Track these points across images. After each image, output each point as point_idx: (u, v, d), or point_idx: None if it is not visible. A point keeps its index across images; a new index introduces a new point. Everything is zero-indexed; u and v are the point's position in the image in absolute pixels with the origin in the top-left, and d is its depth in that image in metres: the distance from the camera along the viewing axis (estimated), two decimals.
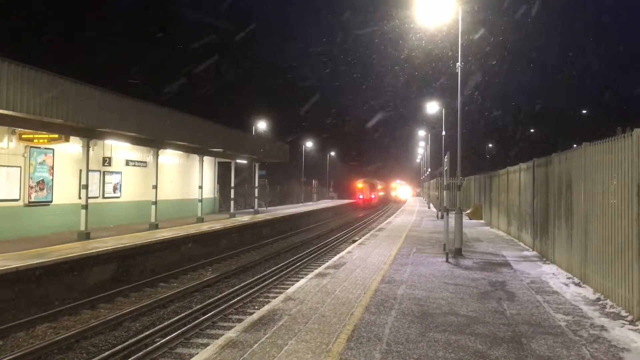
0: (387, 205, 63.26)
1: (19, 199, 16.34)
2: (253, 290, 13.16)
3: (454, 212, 14.27)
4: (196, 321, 10.13)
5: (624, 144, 7.56)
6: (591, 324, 6.92)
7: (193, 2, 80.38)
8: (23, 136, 16.23)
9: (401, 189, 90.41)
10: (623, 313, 7.35)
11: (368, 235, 19.35)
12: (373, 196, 60.35)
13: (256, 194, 34.96)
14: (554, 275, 10.47)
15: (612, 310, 7.60)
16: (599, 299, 8.27)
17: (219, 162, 32.19)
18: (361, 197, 58.94)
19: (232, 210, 29.75)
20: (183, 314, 10.68)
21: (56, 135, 16.30)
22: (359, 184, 60.45)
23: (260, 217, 28.84)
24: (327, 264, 11.99)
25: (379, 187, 65.78)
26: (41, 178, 17.20)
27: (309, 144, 66.35)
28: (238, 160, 31.01)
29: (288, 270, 16.19)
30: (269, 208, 39.29)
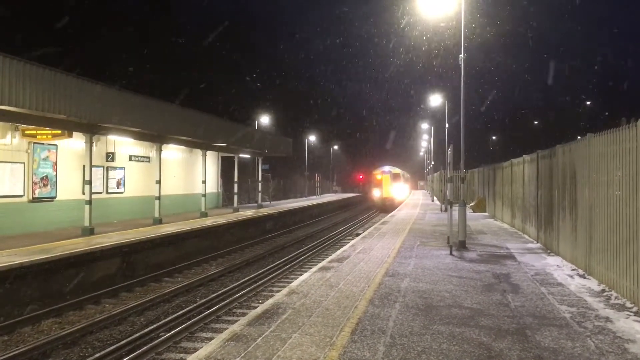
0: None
1: (23, 195, 16.38)
2: (257, 284, 13.19)
3: (457, 204, 14.24)
4: (200, 315, 10.17)
5: (628, 135, 7.51)
6: (596, 316, 6.89)
7: None
8: (26, 132, 16.24)
9: (397, 186, 45.88)
10: (628, 304, 7.32)
11: (371, 228, 19.33)
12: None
13: (259, 188, 34.97)
14: (558, 267, 10.44)
15: (617, 301, 7.58)
16: (603, 291, 8.24)
17: (222, 157, 32.17)
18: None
19: (235, 204, 29.76)
20: (187, 308, 10.72)
21: (59, 131, 16.32)
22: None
23: (263, 211, 28.85)
24: (330, 258, 11.98)
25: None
26: (45, 174, 17.24)
27: (312, 138, 66.30)
28: (241, 155, 30.99)
29: (292, 264, 16.22)
30: (272, 202, 39.29)
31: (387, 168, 47.03)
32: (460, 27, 14.17)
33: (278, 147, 36.08)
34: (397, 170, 48.23)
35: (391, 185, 44.74)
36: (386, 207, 40.80)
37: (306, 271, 11.70)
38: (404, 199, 47.70)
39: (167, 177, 23.90)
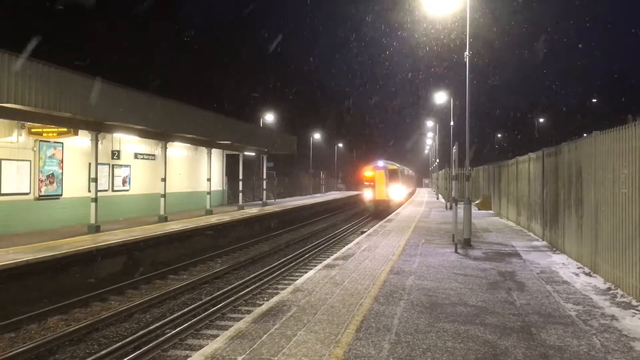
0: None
1: (29, 193, 16.46)
2: (262, 281, 13.22)
3: (462, 202, 14.21)
4: (206, 312, 10.20)
5: (634, 132, 7.47)
6: (602, 314, 6.87)
7: None
8: (32, 130, 16.32)
9: (394, 186, 35.73)
10: (634, 302, 7.29)
11: (376, 226, 19.33)
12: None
13: (264, 186, 35.01)
14: (564, 265, 10.41)
15: (622, 299, 7.55)
16: (609, 289, 8.21)
17: (227, 155, 32.23)
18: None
19: (240, 202, 29.81)
20: (193, 306, 10.75)
21: (65, 129, 16.39)
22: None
23: (268, 209, 28.89)
24: (335, 255, 11.99)
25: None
26: (51, 172, 17.32)
27: (317, 136, 66.32)
28: (246, 153, 31.04)
29: (297, 261, 16.24)
30: (277, 200, 39.33)
31: (381, 163, 36.29)
32: (465, 24, 14.13)
33: (283, 145, 36.09)
34: (394, 165, 38.31)
35: (386, 184, 34.76)
36: (380, 211, 32.56)
37: (311, 269, 11.71)
38: (404, 201, 39.53)
39: (172, 174, 23.97)
